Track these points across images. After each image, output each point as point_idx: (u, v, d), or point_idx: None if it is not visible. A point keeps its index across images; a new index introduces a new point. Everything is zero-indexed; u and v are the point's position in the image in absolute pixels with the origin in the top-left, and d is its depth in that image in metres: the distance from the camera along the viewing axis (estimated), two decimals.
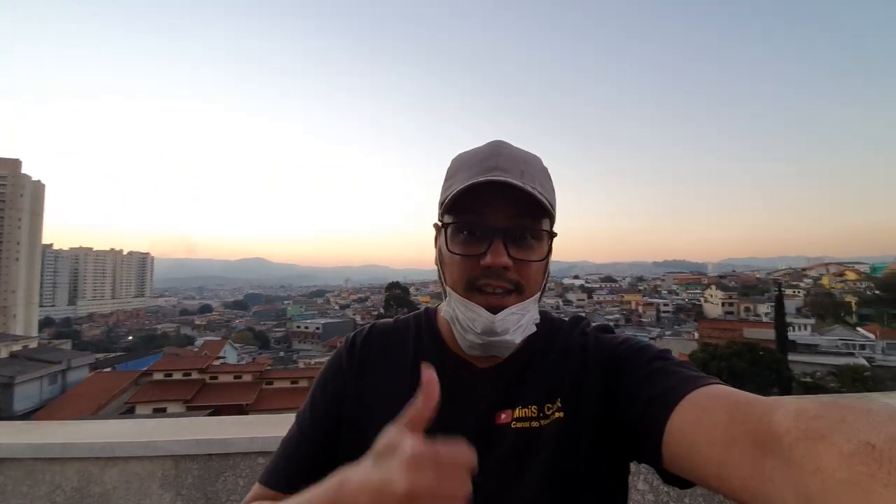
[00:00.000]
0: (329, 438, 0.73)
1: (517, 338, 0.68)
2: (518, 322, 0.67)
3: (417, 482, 0.37)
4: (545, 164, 0.75)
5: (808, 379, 27.29)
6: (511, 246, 0.65)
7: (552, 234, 0.71)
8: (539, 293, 0.71)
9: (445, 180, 0.73)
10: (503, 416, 0.67)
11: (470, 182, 0.64)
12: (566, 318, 0.82)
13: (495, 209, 0.66)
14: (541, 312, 0.76)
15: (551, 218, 0.70)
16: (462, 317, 0.67)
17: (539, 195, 0.64)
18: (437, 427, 0.69)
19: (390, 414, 0.71)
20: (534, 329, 0.73)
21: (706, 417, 0.49)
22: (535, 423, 0.66)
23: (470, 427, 0.66)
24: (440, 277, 0.74)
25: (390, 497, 0.37)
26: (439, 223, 0.73)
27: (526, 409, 0.67)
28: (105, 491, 1.77)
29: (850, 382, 24.83)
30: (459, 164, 0.71)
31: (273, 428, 1.91)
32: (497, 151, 0.69)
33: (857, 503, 0.31)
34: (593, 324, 0.81)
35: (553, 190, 0.73)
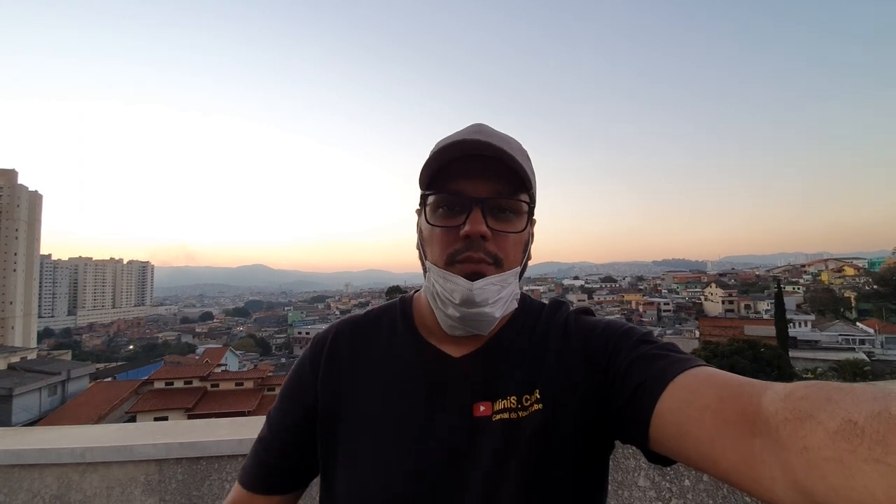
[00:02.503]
0: (299, 437, 0.72)
1: (497, 311, 0.67)
2: (498, 294, 0.66)
3: None
4: (538, 167, 0.75)
5: (810, 375, 27.24)
6: (490, 217, 0.65)
7: (532, 210, 0.70)
8: (520, 269, 0.70)
9: (426, 163, 0.71)
10: (482, 408, 0.66)
11: (447, 142, 0.65)
12: (546, 302, 0.80)
13: (474, 181, 0.66)
14: (521, 295, 0.76)
15: (531, 196, 0.70)
16: (441, 289, 0.67)
17: (518, 163, 0.64)
18: (415, 422, 0.66)
19: (365, 408, 0.69)
20: (515, 305, 0.72)
21: (695, 400, 0.49)
22: (513, 415, 0.65)
23: (449, 422, 0.65)
24: (421, 258, 0.73)
25: None
26: (420, 206, 0.72)
27: (505, 401, 0.66)
28: (85, 497, 1.70)
29: (850, 377, 24.75)
30: (439, 144, 0.70)
31: (260, 430, 1.85)
32: (478, 129, 0.69)
33: (841, 479, 0.32)
34: (573, 307, 0.78)
35: (533, 172, 0.71)
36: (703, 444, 0.46)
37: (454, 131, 0.72)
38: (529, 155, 0.73)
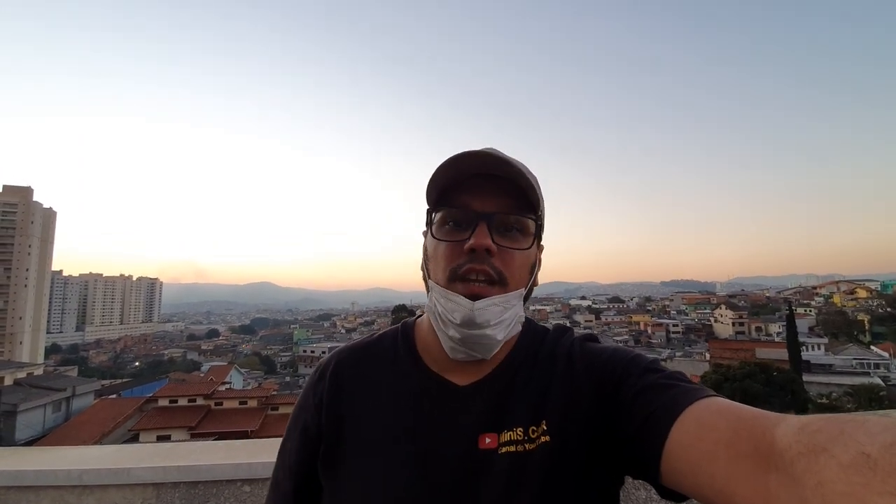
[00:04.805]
0: (309, 473, 0.71)
1: (499, 333, 0.64)
2: (500, 315, 0.64)
3: None
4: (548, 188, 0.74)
5: (825, 400, 26.58)
6: (496, 233, 0.64)
7: (539, 233, 0.69)
8: (525, 290, 0.69)
9: (430, 183, 0.70)
10: (487, 440, 0.63)
11: (455, 156, 0.63)
12: (549, 327, 0.79)
13: (482, 197, 0.65)
14: (525, 319, 0.74)
15: (539, 217, 0.69)
16: (442, 309, 0.65)
17: (527, 181, 0.64)
18: (419, 455, 0.64)
19: (369, 438, 0.67)
20: (518, 328, 0.70)
21: (708, 433, 0.48)
22: (521, 448, 0.62)
23: (454, 454, 0.63)
24: (424, 279, 0.72)
25: None
26: (426, 225, 0.71)
27: (512, 433, 0.63)
28: None
29: (866, 402, 24.17)
30: (446, 164, 0.69)
31: (258, 454, 1.82)
32: (486, 151, 0.67)
33: None
34: (578, 333, 0.77)
35: (542, 196, 0.70)
36: (717, 480, 0.45)
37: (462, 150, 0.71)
38: (539, 180, 0.72)
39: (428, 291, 0.70)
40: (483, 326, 0.62)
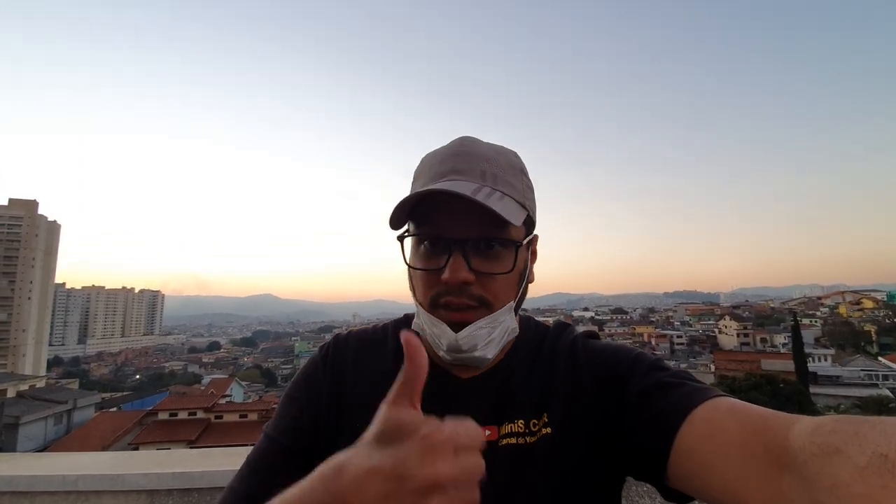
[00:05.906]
0: (300, 445, 0.67)
1: (489, 352, 0.63)
2: (488, 336, 0.62)
3: (438, 468, 0.34)
4: (534, 176, 0.70)
5: (832, 412, 26.33)
6: (474, 258, 0.60)
7: (530, 231, 0.67)
8: (514, 302, 0.66)
9: (412, 184, 0.68)
10: (487, 432, 0.62)
11: (419, 191, 0.59)
12: (550, 325, 0.77)
13: (454, 218, 0.60)
14: (524, 318, 0.73)
15: (528, 218, 0.65)
16: (430, 332, 0.63)
17: (498, 198, 0.59)
18: None
19: (369, 421, 0.69)
20: (514, 335, 0.68)
21: (719, 433, 0.47)
22: (521, 440, 0.62)
23: None
24: (411, 288, 0.69)
25: (408, 484, 0.33)
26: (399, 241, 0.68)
27: (512, 425, 0.63)
28: None
29: (875, 415, 23.84)
30: (422, 167, 0.67)
31: None
32: (458, 150, 0.64)
33: None
34: (579, 330, 0.76)
35: (528, 188, 0.67)
36: (729, 481, 0.44)
37: (443, 144, 0.68)
38: (525, 167, 0.68)
39: (416, 302, 0.68)
40: (470, 351, 0.61)
